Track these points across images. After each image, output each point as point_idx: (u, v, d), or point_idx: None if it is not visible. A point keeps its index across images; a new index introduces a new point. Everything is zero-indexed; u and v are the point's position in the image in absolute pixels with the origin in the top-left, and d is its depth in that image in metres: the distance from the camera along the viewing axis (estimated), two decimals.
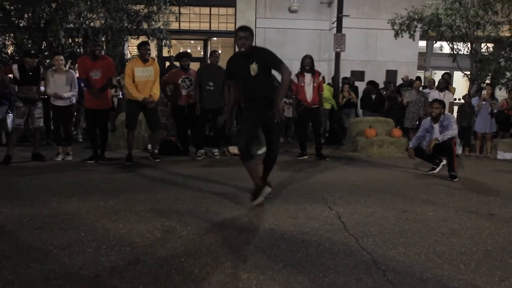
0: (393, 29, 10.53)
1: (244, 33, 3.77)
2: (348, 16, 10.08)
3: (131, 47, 11.39)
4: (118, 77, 9.40)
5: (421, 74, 14.52)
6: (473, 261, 2.68)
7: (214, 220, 3.39)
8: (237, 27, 3.91)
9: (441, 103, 5.88)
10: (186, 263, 2.52)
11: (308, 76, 6.83)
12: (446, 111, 6.07)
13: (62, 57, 6.16)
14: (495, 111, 8.14)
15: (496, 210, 3.97)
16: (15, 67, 5.78)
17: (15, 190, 4.32)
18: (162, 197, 4.09)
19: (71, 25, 8.45)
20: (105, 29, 8.75)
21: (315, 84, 6.84)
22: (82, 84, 6.97)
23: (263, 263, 2.55)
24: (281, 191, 4.46)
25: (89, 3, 7.79)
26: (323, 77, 7.91)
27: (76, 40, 8.56)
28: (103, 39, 8.92)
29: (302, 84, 6.80)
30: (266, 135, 4.07)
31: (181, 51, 13.13)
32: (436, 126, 5.75)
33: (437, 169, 5.83)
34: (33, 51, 6.31)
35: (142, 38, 12.13)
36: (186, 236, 3.00)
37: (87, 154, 6.32)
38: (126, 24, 9.32)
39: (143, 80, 5.95)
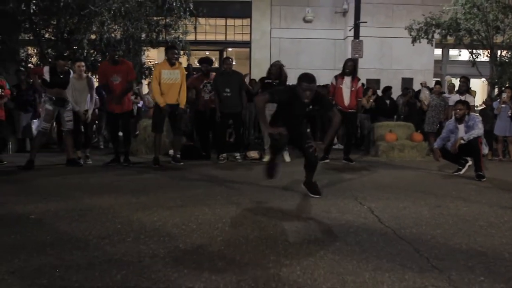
0: (411, 35, 10.52)
1: (312, 86, 3.78)
2: (365, 22, 10.12)
3: (149, 58, 11.56)
4: (138, 86, 9.58)
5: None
6: None
7: (247, 214, 3.39)
8: (302, 77, 3.85)
9: (465, 103, 5.84)
10: (227, 250, 2.53)
11: (348, 80, 6.79)
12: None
13: (83, 63, 6.30)
14: None
15: None
16: (46, 69, 5.90)
17: (46, 189, 4.39)
18: (192, 194, 4.11)
19: (94, 36, 8.64)
20: (126, 38, 8.93)
21: (353, 89, 6.78)
22: (103, 92, 7.11)
23: (303, 251, 2.53)
24: (304, 190, 4.44)
25: (112, 12, 7.96)
26: (362, 84, 7.90)
27: (99, 48, 8.72)
28: (123, 47, 9.08)
29: (341, 86, 6.76)
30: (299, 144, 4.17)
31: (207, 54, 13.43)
32: (461, 127, 5.70)
33: (463, 170, 5.75)
34: (65, 54, 6.42)
35: (162, 49, 12.48)
36: (222, 227, 3.00)
37: (109, 159, 6.39)
38: (146, 34, 9.50)
39: (169, 82, 6.04)
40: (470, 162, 5.71)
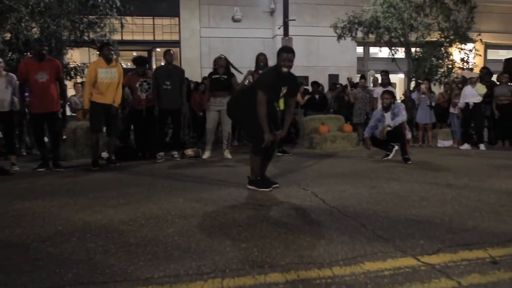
0: (336, 33, 11.09)
1: (291, 56, 3.82)
2: (294, 20, 10.47)
3: (72, 59, 10.86)
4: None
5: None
6: (446, 216, 2.92)
7: (195, 207, 3.35)
8: (281, 48, 4.01)
9: (391, 93, 6.31)
10: (181, 240, 2.49)
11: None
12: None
13: (1, 59, 5.76)
14: (433, 103, 8.83)
15: (452, 181, 4.32)
16: None
17: None
18: (135, 192, 3.97)
19: (9, 34, 7.93)
20: (47, 36, 8.33)
21: None
22: (26, 94, 6.55)
23: (257, 234, 2.58)
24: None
25: (30, 8, 7.37)
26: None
27: (15, 47, 8.02)
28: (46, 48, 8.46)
29: None
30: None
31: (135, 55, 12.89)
32: (388, 115, 6.14)
33: (391, 155, 6.20)
34: None
35: (85, 49, 11.82)
36: (171, 220, 2.95)
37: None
38: (68, 32, 8.95)
39: (106, 81, 5.72)
40: (396, 147, 6.18)
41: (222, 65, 6.52)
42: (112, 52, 5.83)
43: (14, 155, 6.04)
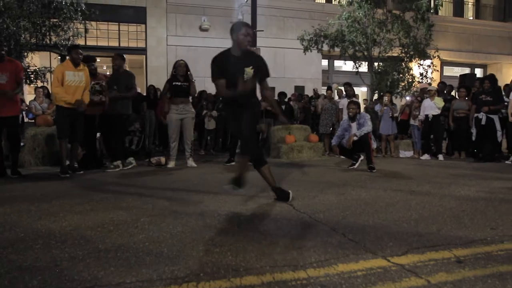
0: (302, 45, 11.33)
1: (250, 30, 3.52)
2: (262, 31, 10.60)
3: (31, 63, 10.43)
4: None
5: (325, 89, 15.80)
6: (412, 220, 3.02)
7: (165, 213, 3.29)
8: (237, 23, 3.63)
9: (356, 103, 6.51)
10: (152, 246, 2.43)
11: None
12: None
13: None
14: (396, 115, 9.18)
15: (415, 188, 4.50)
16: None
17: None
18: (101, 199, 3.85)
19: None
20: (6, 37, 7.98)
21: None
22: None
23: (230, 238, 2.56)
24: (219, 188, 4.45)
25: None
26: None
27: None
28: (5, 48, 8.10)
29: None
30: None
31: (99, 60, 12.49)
32: (354, 125, 6.33)
33: (357, 164, 6.37)
34: None
35: (46, 53, 11.41)
36: (141, 226, 2.88)
37: None
38: (29, 34, 8.62)
39: (74, 85, 5.56)
40: (362, 157, 6.35)
41: (183, 73, 6.45)
42: (81, 56, 5.67)
43: None
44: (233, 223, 2.95)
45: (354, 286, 1.85)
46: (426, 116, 8.30)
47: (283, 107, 10.28)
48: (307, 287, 1.84)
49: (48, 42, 9.54)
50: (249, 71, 3.52)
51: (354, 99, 8.85)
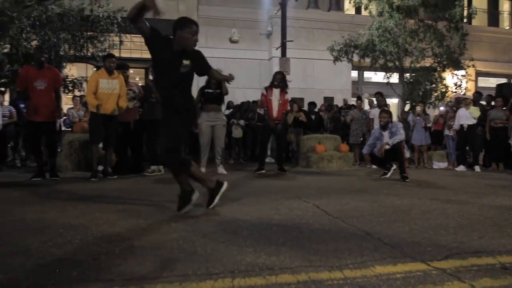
0: (332, 55, 11.29)
1: (197, 28, 3.32)
2: (292, 41, 10.65)
3: (70, 73, 10.87)
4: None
5: (354, 100, 15.62)
6: (450, 228, 2.91)
7: (197, 214, 3.32)
8: (182, 19, 3.37)
9: (388, 112, 6.39)
10: (186, 244, 2.45)
11: (276, 91, 6.89)
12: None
13: None
14: (428, 125, 8.96)
15: (452, 197, 4.35)
16: None
17: None
18: (133, 200, 3.92)
19: (9, 44, 7.94)
20: (47, 48, 8.37)
21: (280, 101, 6.87)
22: (22, 105, 6.52)
23: (263, 241, 2.55)
24: (250, 194, 4.48)
25: (32, 19, 7.45)
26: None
27: (15, 58, 8.04)
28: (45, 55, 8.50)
29: (270, 97, 6.88)
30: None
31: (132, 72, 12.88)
32: (386, 134, 6.21)
33: (389, 174, 6.23)
34: None
35: (82, 65, 11.87)
36: (174, 225, 2.91)
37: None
38: (68, 46, 9.02)
39: (107, 92, 5.76)
40: (395, 167, 6.21)
41: (215, 81, 6.50)
42: (113, 64, 5.86)
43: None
44: (265, 227, 2.94)
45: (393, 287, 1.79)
46: (461, 126, 8.05)
47: (313, 117, 10.25)
48: (344, 287, 1.80)
49: (85, 53, 9.92)
50: (186, 63, 3.31)
51: (385, 108, 8.73)
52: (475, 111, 8.00)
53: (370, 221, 3.12)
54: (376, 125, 7.18)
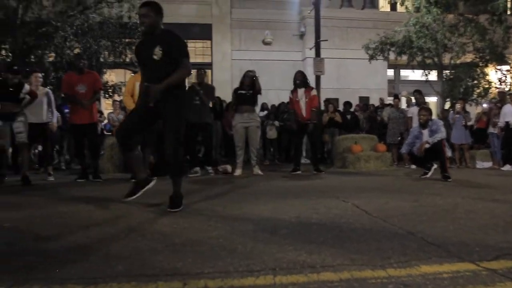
0: (367, 53, 11.09)
1: (144, 10, 3.30)
2: (326, 40, 10.56)
3: (109, 78, 11.27)
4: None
5: (391, 99, 15.26)
6: (499, 227, 2.78)
7: (236, 213, 3.35)
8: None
9: (428, 110, 6.20)
10: (226, 242, 2.47)
11: (300, 92, 6.91)
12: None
13: (40, 74, 6.07)
14: (469, 123, 8.61)
15: (499, 197, 4.15)
16: None
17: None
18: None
19: (54, 52, 8.35)
20: (89, 55, 8.74)
21: (307, 99, 6.83)
22: (66, 110, 6.79)
23: (304, 239, 2.54)
24: (287, 194, 4.47)
25: (75, 28, 7.80)
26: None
27: (59, 66, 8.44)
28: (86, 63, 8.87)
29: (297, 99, 6.89)
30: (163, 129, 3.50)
31: None
32: (425, 132, 6.02)
33: (429, 173, 6.03)
34: (15, 67, 6.04)
35: (122, 71, 12.27)
36: (214, 224, 2.95)
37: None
38: (108, 53, 9.38)
39: None
40: (435, 166, 6.01)
41: (248, 83, 6.58)
42: None
43: (50, 166, 6.22)
44: (304, 226, 2.92)
45: (440, 287, 1.73)
46: (507, 123, 7.68)
47: (348, 117, 10.11)
48: (388, 286, 1.76)
49: (124, 59, 10.25)
50: (157, 51, 3.27)
51: (424, 105, 8.47)
52: None
53: (412, 220, 3.03)
54: (415, 123, 6.98)
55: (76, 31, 8.01)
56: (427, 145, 5.80)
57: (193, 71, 6.91)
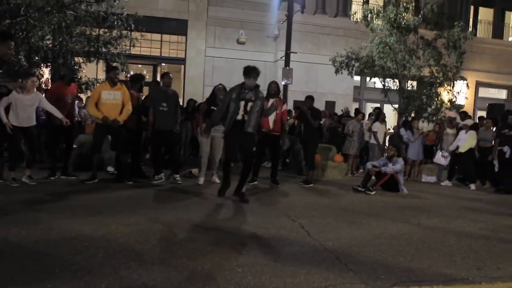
0: (334, 66, 11.79)
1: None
2: (295, 53, 11.15)
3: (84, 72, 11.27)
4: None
5: (355, 105, 16.06)
6: (409, 255, 3.49)
7: (210, 225, 3.90)
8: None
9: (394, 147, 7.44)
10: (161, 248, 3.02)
11: (270, 102, 6.70)
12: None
13: (36, 79, 6.22)
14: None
15: (423, 221, 4.91)
16: None
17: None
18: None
19: (29, 46, 8.44)
20: (64, 53, 8.93)
21: (277, 112, 6.84)
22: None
23: (251, 260, 3.12)
24: (245, 210, 4.99)
25: (52, 26, 7.99)
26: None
27: (34, 61, 8.59)
28: (61, 61, 9.05)
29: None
30: None
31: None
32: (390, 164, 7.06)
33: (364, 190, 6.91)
34: None
35: (100, 63, 12.33)
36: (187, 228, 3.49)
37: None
38: (86, 48, 9.56)
39: (109, 102, 6.19)
40: (373, 193, 6.83)
41: (221, 96, 6.61)
42: (118, 77, 6.37)
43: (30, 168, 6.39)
44: (255, 246, 3.50)
45: None
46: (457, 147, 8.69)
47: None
48: None
49: (104, 52, 10.27)
50: None
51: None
52: (472, 139, 8.59)
53: (343, 244, 3.69)
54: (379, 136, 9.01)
55: (53, 29, 8.17)
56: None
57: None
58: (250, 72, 5.45)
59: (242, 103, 5.33)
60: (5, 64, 4.51)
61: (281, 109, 7.07)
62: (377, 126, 9.53)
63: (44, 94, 6.68)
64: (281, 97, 7.72)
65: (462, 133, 8.79)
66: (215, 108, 6.77)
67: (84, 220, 3.98)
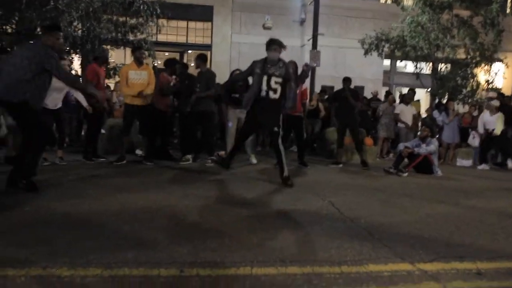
0: (363, 47, 11.42)
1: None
2: (322, 34, 10.85)
3: (112, 58, 11.47)
4: None
5: (385, 89, 15.61)
6: (447, 232, 3.30)
7: (241, 202, 3.83)
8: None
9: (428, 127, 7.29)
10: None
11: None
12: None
13: (68, 62, 6.37)
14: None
15: (461, 201, 4.68)
16: None
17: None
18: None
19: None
20: (92, 39, 9.02)
21: (299, 90, 6.65)
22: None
23: (284, 233, 3.02)
24: (272, 189, 4.87)
25: (80, 12, 8.07)
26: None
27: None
28: (89, 47, 9.16)
29: None
30: None
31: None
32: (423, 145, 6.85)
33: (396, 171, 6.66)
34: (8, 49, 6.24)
35: (126, 49, 12.48)
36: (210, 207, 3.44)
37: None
38: (114, 34, 9.64)
39: (136, 82, 6.23)
40: (405, 175, 6.58)
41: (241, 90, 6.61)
42: (144, 56, 6.37)
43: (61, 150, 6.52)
44: (286, 221, 3.40)
45: (378, 284, 2.23)
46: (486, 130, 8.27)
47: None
48: (338, 280, 2.26)
49: (127, 40, 10.41)
50: None
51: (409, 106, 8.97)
52: (500, 121, 8.14)
53: (376, 221, 3.52)
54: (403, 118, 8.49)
55: (81, 14, 8.25)
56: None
57: None
58: (270, 44, 5.28)
59: (265, 77, 5.08)
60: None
61: (301, 88, 6.87)
62: (400, 107, 9.19)
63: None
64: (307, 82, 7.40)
65: (486, 115, 8.34)
66: (236, 96, 6.67)
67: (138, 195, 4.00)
